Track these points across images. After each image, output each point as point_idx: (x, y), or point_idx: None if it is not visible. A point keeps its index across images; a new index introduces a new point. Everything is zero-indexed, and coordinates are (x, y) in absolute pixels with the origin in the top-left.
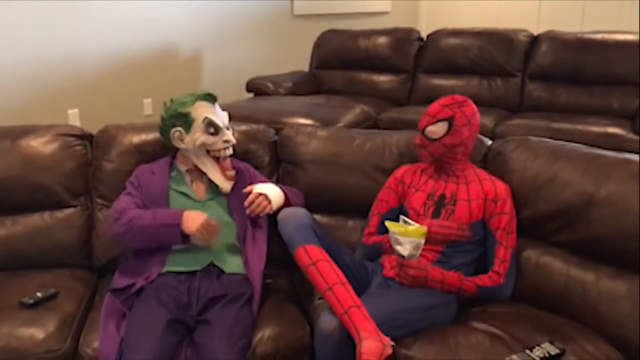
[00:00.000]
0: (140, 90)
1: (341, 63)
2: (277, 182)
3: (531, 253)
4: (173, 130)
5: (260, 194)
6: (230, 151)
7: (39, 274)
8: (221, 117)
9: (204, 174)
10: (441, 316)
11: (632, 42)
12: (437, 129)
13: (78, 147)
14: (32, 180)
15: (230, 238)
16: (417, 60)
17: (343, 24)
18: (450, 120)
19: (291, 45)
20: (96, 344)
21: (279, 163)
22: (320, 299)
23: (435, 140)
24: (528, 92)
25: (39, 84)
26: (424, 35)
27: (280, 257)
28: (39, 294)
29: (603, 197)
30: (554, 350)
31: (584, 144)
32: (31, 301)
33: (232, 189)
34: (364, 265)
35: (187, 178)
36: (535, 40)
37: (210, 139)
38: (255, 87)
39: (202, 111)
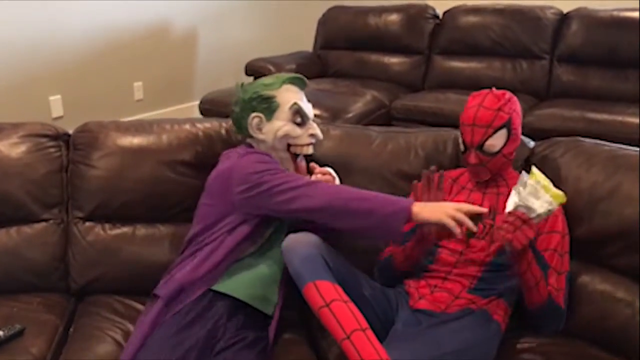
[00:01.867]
0: (130, 73)
1: (349, 43)
2: None
3: (587, 279)
4: (252, 115)
5: (330, 174)
6: (312, 149)
7: (6, 303)
8: (308, 107)
9: None
10: (483, 356)
11: None
12: (497, 141)
13: (51, 149)
14: None
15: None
16: (432, 41)
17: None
18: (508, 125)
19: (293, 23)
20: None
21: None
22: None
23: (495, 153)
24: (556, 76)
25: (16, 69)
26: (439, 12)
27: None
28: (0, 333)
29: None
30: None
31: (622, 136)
32: None
33: None
34: (386, 296)
35: None
36: (564, 18)
37: (296, 130)
38: (255, 70)
39: (290, 96)
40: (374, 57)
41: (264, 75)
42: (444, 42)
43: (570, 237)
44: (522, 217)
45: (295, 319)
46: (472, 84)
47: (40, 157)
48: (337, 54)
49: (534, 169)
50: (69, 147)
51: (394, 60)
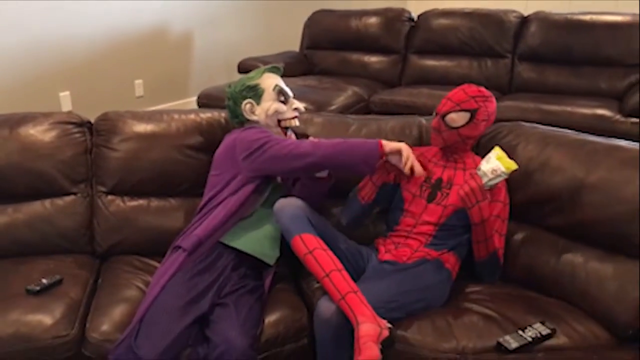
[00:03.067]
0: (132, 71)
1: (332, 43)
2: None
3: (522, 236)
4: (244, 102)
5: None
6: (297, 122)
7: (42, 261)
8: (288, 87)
9: None
10: (435, 297)
11: (621, 24)
12: (459, 118)
13: (77, 135)
14: (32, 168)
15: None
16: (408, 41)
17: (333, 4)
18: (473, 113)
19: (281, 25)
20: (104, 328)
21: None
22: (318, 283)
23: (453, 128)
24: (518, 72)
25: (29, 68)
26: (415, 15)
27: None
28: (44, 281)
29: (592, 182)
30: (545, 331)
31: (574, 126)
32: (37, 288)
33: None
34: (359, 251)
35: None
36: (525, 21)
37: (282, 107)
38: (247, 68)
39: (271, 81)
40: (355, 56)
41: None
42: (419, 43)
43: (510, 203)
44: (472, 174)
45: (286, 274)
46: (443, 80)
47: (68, 141)
48: (321, 54)
49: (496, 147)
50: (92, 133)
51: (373, 59)
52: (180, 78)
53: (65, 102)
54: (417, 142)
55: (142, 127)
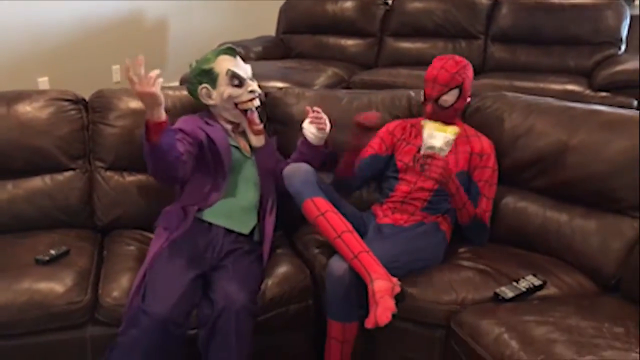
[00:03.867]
0: (109, 57)
1: (309, 28)
2: None
3: (510, 199)
4: (200, 87)
5: (322, 114)
6: (257, 102)
7: (46, 235)
8: (244, 69)
9: (243, 132)
10: (433, 256)
11: (587, 4)
12: (450, 97)
13: (72, 112)
14: (30, 145)
15: (257, 201)
16: (383, 24)
17: None
18: (460, 87)
19: (257, 10)
20: (115, 294)
21: (268, 124)
22: (318, 248)
23: (447, 107)
24: (490, 53)
25: (6, 54)
26: None
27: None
28: (52, 252)
29: (575, 144)
30: (537, 282)
31: None
32: (46, 258)
33: (261, 152)
34: (360, 215)
35: (232, 133)
36: (496, 3)
37: (236, 91)
38: None
39: (224, 65)
40: (332, 40)
41: None
42: (394, 26)
43: (499, 168)
44: (429, 155)
45: (285, 242)
46: (418, 62)
47: (65, 117)
48: (298, 38)
49: (423, 121)
50: (87, 110)
51: (350, 42)
52: (157, 63)
53: (44, 87)
54: (407, 113)
55: (137, 104)
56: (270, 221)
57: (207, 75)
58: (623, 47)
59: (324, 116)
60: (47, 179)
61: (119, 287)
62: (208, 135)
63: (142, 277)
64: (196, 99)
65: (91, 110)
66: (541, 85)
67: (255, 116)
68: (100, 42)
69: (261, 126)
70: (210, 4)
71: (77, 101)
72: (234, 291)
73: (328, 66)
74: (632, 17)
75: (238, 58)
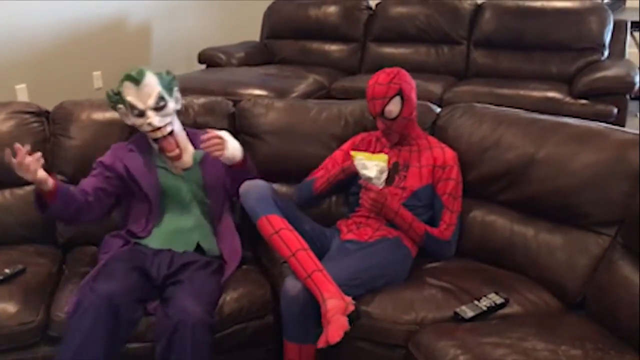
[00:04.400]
0: (90, 63)
1: (292, 33)
2: None
3: (477, 212)
4: (118, 107)
5: (219, 137)
6: (162, 133)
7: (4, 251)
8: (144, 99)
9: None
10: (396, 273)
11: (569, 9)
12: (394, 107)
13: (35, 124)
14: None
15: (206, 217)
16: (366, 29)
17: None
18: (400, 93)
19: (241, 15)
20: (67, 308)
21: (237, 135)
22: (284, 262)
23: (395, 118)
24: (473, 59)
25: None
26: (372, 4)
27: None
28: (7, 271)
29: (542, 157)
30: (499, 300)
31: (526, 108)
32: (0, 277)
33: (206, 164)
34: (322, 232)
35: (162, 154)
36: (479, 8)
37: (137, 121)
38: (207, 58)
39: (126, 92)
40: (315, 45)
41: (217, 62)
42: (377, 31)
43: (465, 180)
44: (364, 185)
45: (249, 257)
46: (402, 67)
47: (27, 130)
48: (282, 43)
49: (352, 152)
50: (49, 122)
51: (333, 47)
52: None
53: (22, 94)
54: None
55: (99, 115)
56: (229, 234)
57: (120, 97)
58: (606, 53)
59: (219, 137)
60: (7, 193)
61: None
62: (126, 166)
63: (81, 285)
64: None
65: (52, 122)
66: (521, 92)
67: (168, 142)
68: (81, 48)
69: (176, 152)
70: (194, 9)
71: (40, 113)
72: (189, 304)
73: (309, 72)
74: (616, 22)
75: (143, 85)
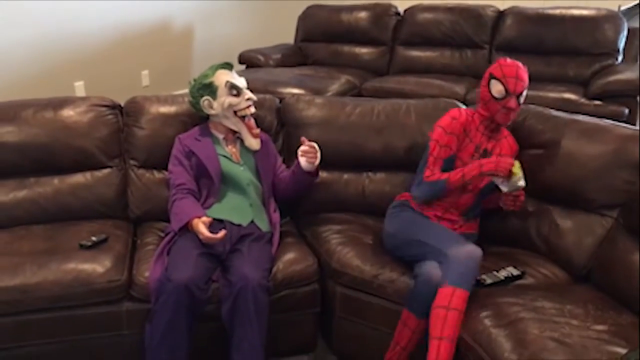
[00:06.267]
0: (139, 62)
1: (325, 36)
2: (282, 144)
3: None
4: (202, 100)
5: (315, 148)
6: (253, 109)
7: (87, 224)
8: (240, 81)
9: (237, 139)
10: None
11: (587, 17)
12: (525, 94)
13: (110, 116)
14: (74, 145)
15: (260, 198)
16: (395, 34)
17: None
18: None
19: (276, 19)
20: (147, 274)
21: (283, 127)
22: (324, 237)
23: (520, 105)
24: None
25: (47, 59)
26: (401, 10)
27: (286, 208)
28: (93, 238)
29: (556, 150)
30: (515, 272)
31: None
32: (89, 243)
33: (260, 153)
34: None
35: (224, 143)
36: (501, 15)
37: (235, 100)
38: (247, 59)
39: (223, 77)
40: (347, 48)
41: (255, 63)
42: (405, 35)
43: None
44: (517, 194)
45: (293, 231)
46: (427, 69)
47: (103, 121)
48: (315, 46)
49: (514, 170)
50: (122, 114)
51: (363, 50)
52: (183, 69)
53: (80, 91)
54: (409, 121)
55: (165, 108)
56: (276, 214)
57: (208, 88)
58: (620, 58)
59: (316, 149)
60: (88, 175)
61: (149, 268)
62: (194, 154)
63: (158, 254)
64: (198, 111)
65: (125, 114)
66: (540, 93)
67: (253, 122)
68: (131, 48)
69: (258, 130)
70: (233, 13)
71: (114, 107)
72: (249, 271)
73: (342, 73)
74: (630, 30)
75: (234, 71)
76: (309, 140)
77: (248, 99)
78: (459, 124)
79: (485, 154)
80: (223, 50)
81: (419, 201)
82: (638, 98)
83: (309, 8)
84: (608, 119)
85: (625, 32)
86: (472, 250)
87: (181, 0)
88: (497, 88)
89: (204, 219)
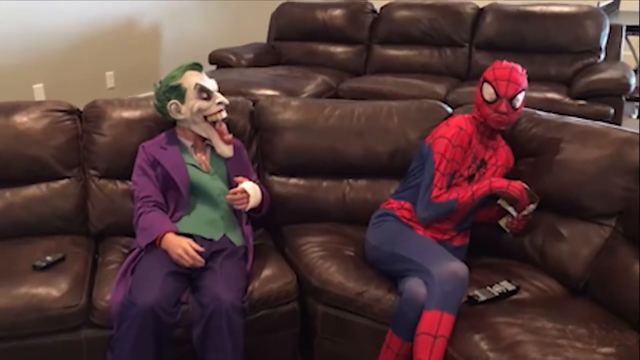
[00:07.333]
0: (102, 63)
1: (299, 35)
2: (256, 149)
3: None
4: (169, 103)
5: (245, 192)
6: (224, 114)
7: (43, 241)
8: (210, 83)
9: (207, 146)
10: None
11: (568, 14)
12: (521, 98)
13: (67, 122)
14: (27, 154)
15: (232, 210)
16: (371, 32)
17: None
18: (525, 90)
19: (248, 17)
20: (108, 297)
21: (257, 132)
22: (304, 251)
23: (515, 109)
24: (475, 61)
25: (3, 61)
26: (377, 7)
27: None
28: (49, 258)
29: (548, 155)
30: (510, 287)
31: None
32: (43, 264)
33: (232, 161)
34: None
35: (193, 151)
36: (480, 12)
37: (205, 104)
38: (218, 59)
39: (192, 79)
40: (322, 47)
41: (227, 63)
42: (382, 33)
43: None
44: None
45: (271, 245)
46: (406, 69)
47: (60, 127)
48: (289, 45)
49: (533, 207)
50: (82, 119)
51: (339, 49)
52: (150, 69)
53: (39, 94)
54: (391, 124)
55: (129, 113)
56: (248, 227)
57: (176, 91)
58: (602, 56)
59: (245, 193)
60: (44, 187)
61: (111, 290)
62: (160, 164)
63: (121, 274)
64: (165, 116)
65: (85, 120)
66: None
67: (224, 127)
68: (95, 49)
69: (230, 136)
70: (202, 10)
71: (72, 111)
72: (222, 292)
73: (317, 73)
74: (612, 26)
75: (203, 73)
76: (245, 179)
77: (219, 103)
78: (466, 135)
79: (483, 164)
80: (192, 49)
81: (426, 222)
82: (623, 97)
83: (282, 5)
84: (592, 119)
85: (607, 30)
86: (457, 269)
87: None
88: (488, 91)
89: (191, 242)
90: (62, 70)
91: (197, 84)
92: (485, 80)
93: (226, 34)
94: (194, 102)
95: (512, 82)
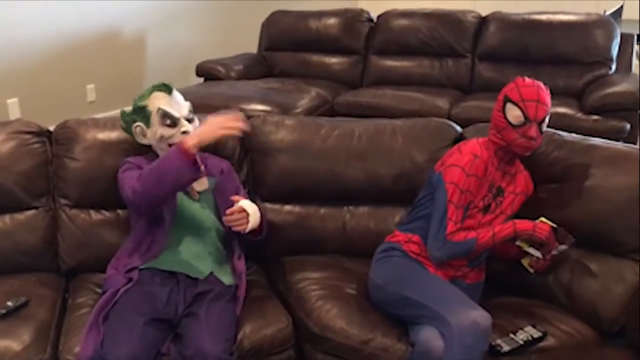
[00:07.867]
0: (83, 76)
1: (291, 45)
2: (247, 173)
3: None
4: (134, 125)
5: (244, 210)
6: None
7: (5, 281)
8: (178, 108)
9: None
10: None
11: (576, 22)
12: (547, 120)
13: (36, 145)
14: None
15: (222, 243)
16: (368, 42)
17: (289, 4)
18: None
19: (238, 26)
20: (77, 350)
21: (247, 153)
22: (303, 291)
23: (542, 132)
24: (478, 72)
25: None
26: (374, 16)
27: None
28: (9, 304)
29: (574, 182)
30: (536, 334)
31: None
32: (3, 311)
33: (219, 186)
34: None
35: None
36: (483, 21)
37: (168, 131)
38: (206, 71)
39: (157, 102)
40: (316, 57)
41: (215, 76)
42: (379, 43)
43: None
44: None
45: (263, 281)
46: (405, 80)
47: (27, 151)
48: (281, 55)
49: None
50: (52, 142)
51: (334, 60)
52: (134, 82)
53: (14, 109)
54: (394, 144)
55: (104, 135)
56: (241, 262)
57: (141, 113)
58: (614, 67)
59: (244, 212)
60: (7, 219)
61: (80, 342)
62: None
63: (92, 322)
64: (133, 137)
65: (55, 142)
66: None
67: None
68: (74, 61)
69: (202, 167)
70: (190, 19)
71: (41, 133)
72: (207, 345)
73: (311, 86)
74: (623, 36)
75: (174, 95)
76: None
77: (184, 132)
78: (481, 162)
79: (500, 192)
80: (179, 60)
81: (440, 261)
82: (639, 113)
83: (273, 14)
84: (607, 135)
85: (618, 39)
86: (479, 318)
87: (131, 5)
88: (514, 113)
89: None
90: (38, 83)
91: (159, 109)
92: (509, 101)
93: (215, 44)
94: (157, 128)
95: (541, 103)
